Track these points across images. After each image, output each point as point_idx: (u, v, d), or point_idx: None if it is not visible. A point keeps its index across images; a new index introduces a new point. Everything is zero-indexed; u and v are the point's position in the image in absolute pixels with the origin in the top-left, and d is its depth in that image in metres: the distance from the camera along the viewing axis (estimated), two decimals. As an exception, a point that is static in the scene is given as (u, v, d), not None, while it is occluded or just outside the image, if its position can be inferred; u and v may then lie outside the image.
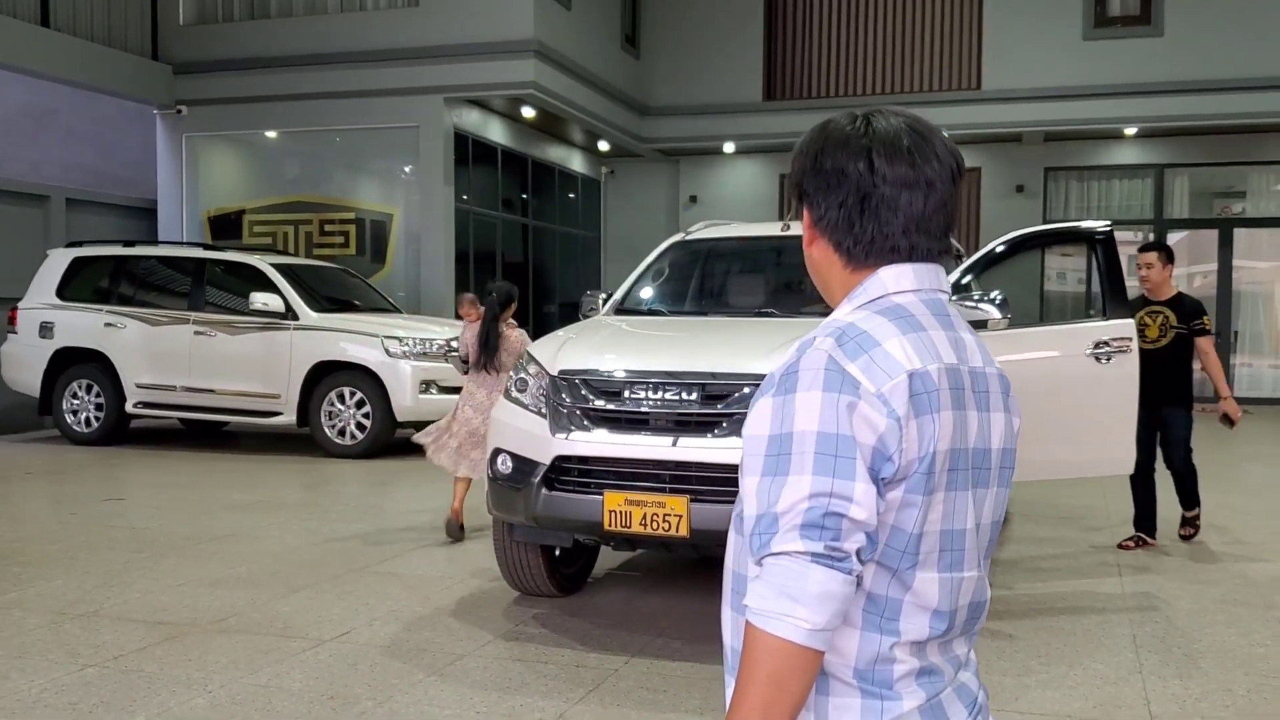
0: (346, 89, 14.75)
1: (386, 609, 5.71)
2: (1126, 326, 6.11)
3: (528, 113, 15.86)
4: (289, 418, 11.38)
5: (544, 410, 5.23)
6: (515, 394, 5.43)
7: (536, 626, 5.43)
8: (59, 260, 12.47)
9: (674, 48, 18.38)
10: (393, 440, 11.39)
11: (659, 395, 5.02)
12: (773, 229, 6.87)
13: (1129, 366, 6.06)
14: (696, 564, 6.69)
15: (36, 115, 16.07)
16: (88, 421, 12.14)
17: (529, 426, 5.24)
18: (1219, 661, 4.98)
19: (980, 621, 1.62)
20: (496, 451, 5.36)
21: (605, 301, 6.70)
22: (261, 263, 11.79)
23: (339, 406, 11.24)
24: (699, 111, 18.20)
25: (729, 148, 18.68)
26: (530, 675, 4.73)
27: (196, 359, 11.66)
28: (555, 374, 5.27)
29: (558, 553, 5.85)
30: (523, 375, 5.44)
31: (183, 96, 15.59)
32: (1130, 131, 17.20)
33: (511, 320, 7.69)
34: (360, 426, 11.20)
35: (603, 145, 18.48)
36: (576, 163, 18.88)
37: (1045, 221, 18.12)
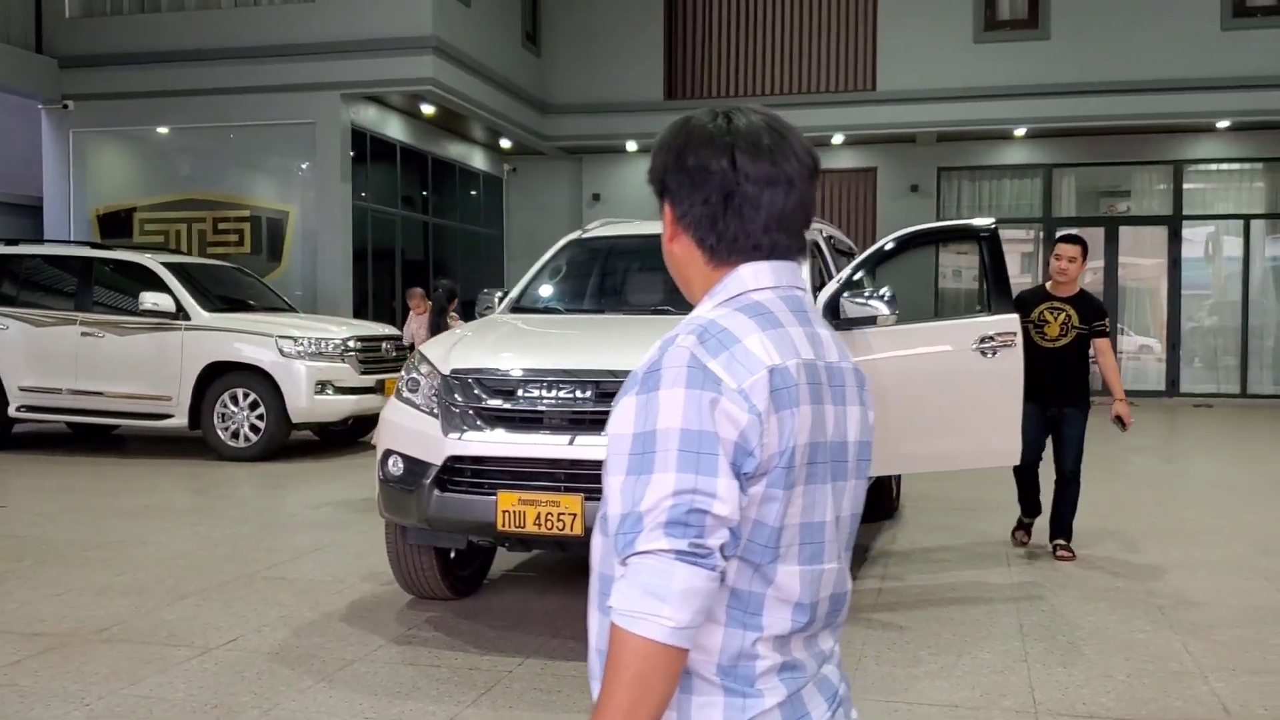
0: (240, 84, 14.46)
1: (276, 615, 5.60)
2: (1011, 321, 6.23)
3: (427, 109, 15.71)
4: (181, 420, 11.11)
5: (436, 410, 5.18)
6: (406, 394, 5.36)
7: (430, 630, 5.37)
8: (-65, 260, 12.02)
9: (575, 46, 18.36)
10: (288, 442, 11.19)
11: (553, 394, 5.00)
12: (668, 227, 6.87)
13: (1014, 361, 6.19)
14: (594, 563, 6.68)
15: (-89, 109, 15.49)
16: (-33, 427, 11.72)
17: (420, 427, 5.18)
18: (1101, 648, 5.12)
19: (842, 613, 1.64)
20: (387, 453, 5.29)
21: (502, 300, 6.65)
22: (151, 261, 11.50)
23: (232, 408, 11.00)
24: (600, 110, 18.21)
25: (631, 146, 18.72)
26: (422, 679, 4.67)
27: (84, 360, 11.33)
28: (447, 373, 5.21)
29: (453, 555, 5.80)
30: (414, 375, 5.38)
31: (69, 91, 15.16)
32: (1019, 132, 17.63)
33: (454, 314, 8.03)
34: (254, 429, 10.97)
35: (504, 143, 18.40)
36: (478, 160, 18.76)
37: (939, 220, 18.47)
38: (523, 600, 5.94)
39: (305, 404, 10.85)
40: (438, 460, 5.06)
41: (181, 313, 11.11)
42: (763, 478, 1.45)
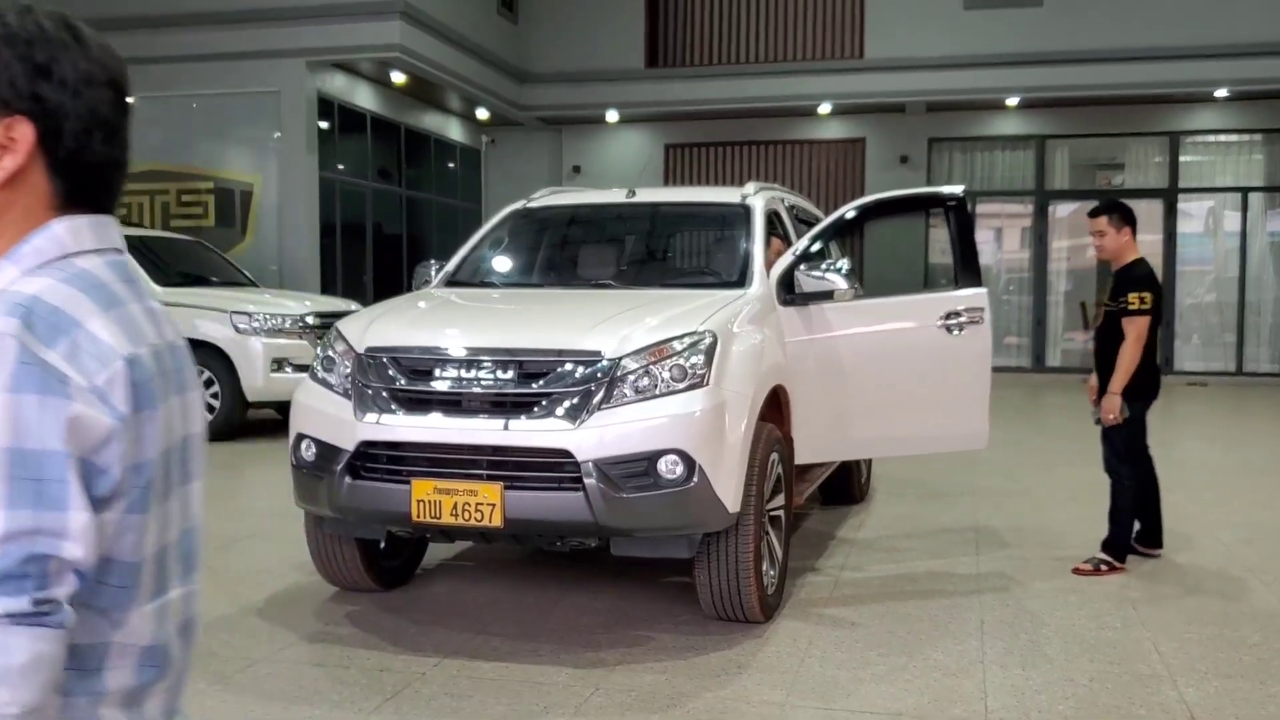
0: (203, 51, 14.01)
1: (188, 609, 5.23)
2: (979, 296, 5.85)
3: (398, 78, 15.26)
4: (134, 399, 10.73)
5: (350, 392, 4.80)
6: (321, 375, 4.99)
7: (348, 626, 5.01)
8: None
9: (554, 12, 17.88)
10: (246, 421, 10.83)
11: (472, 374, 4.61)
12: (618, 196, 6.49)
13: (982, 339, 5.83)
14: (536, 552, 6.32)
15: None
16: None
17: (333, 410, 4.80)
18: (1065, 648, 4.75)
19: (192, 647, 1.33)
20: (299, 437, 4.92)
21: (439, 272, 6.27)
22: (103, 234, 11.09)
23: (187, 386, 10.63)
24: (580, 79, 17.74)
25: (612, 116, 18.28)
26: (326, 682, 4.31)
27: (34, 337, 10.94)
28: (362, 352, 4.83)
29: (383, 545, 5.44)
30: (329, 354, 5.00)
31: (28, 58, 14.68)
32: (1011, 102, 17.18)
33: None
34: (210, 408, 10.60)
35: (481, 113, 17.95)
36: (455, 131, 18.31)
37: (929, 193, 18.04)
38: (453, 592, 5.57)
39: (261, 382, 10.48)
40: (349, 446, 4.68)
41: (134, 287, 10.71)
42: (118, 500, 1.16)
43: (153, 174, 14.72)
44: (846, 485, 7.52)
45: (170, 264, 11.48)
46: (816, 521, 7.19)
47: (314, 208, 14.17)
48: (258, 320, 10.53)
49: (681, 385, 4.55)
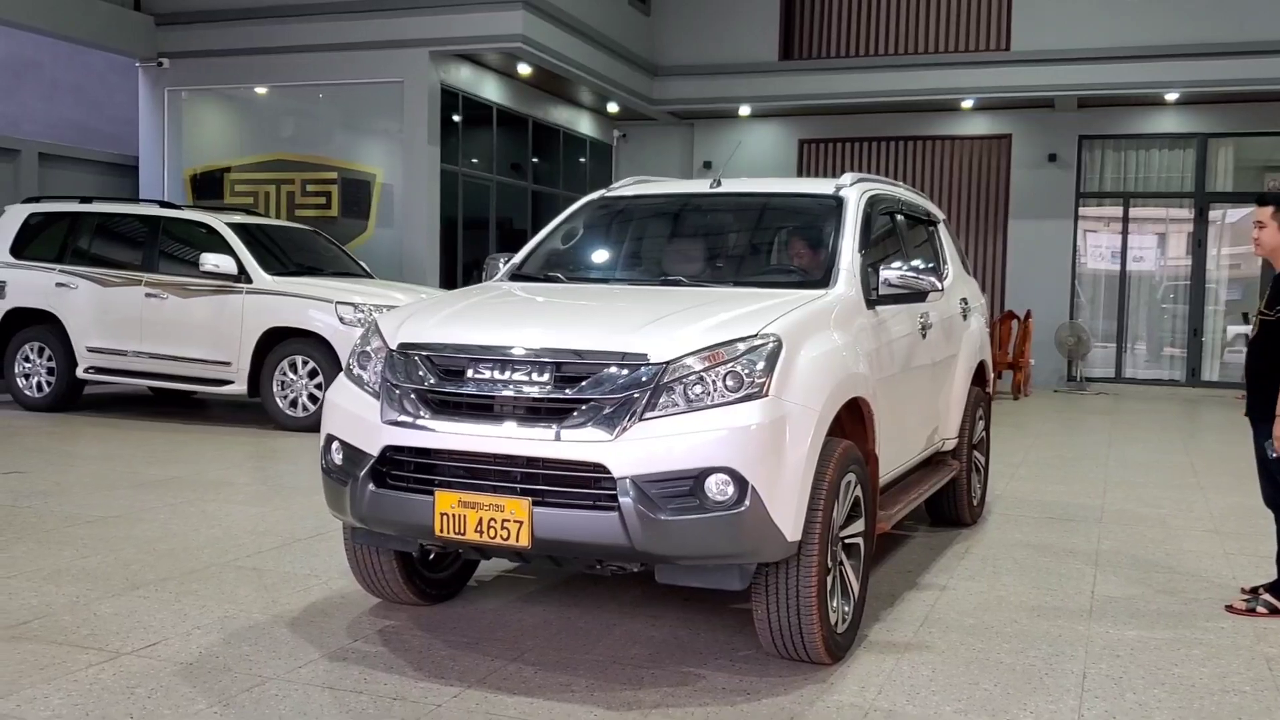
0: (328, 41, 14.00)
1: (220, 614, 4.95)
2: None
3: (523, 70, 15.01)
4: (240, 387, 10.71)
5: (380, 392, 4.43)
6: (356, 371, 4.63)
7: (376, 644, 4.64)
8: (14, 217, 11.89)
9: (686, 4, 17.41)
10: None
11: (505, 375, 4.18)
12: (701, 185, 6.00)
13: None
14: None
15: (17, 68, 15.50)
16: (39, 386, 11.56)
17: (361, 411, 4.44)
18: (1177, 714, 4.07)
19: None
20: (329, 439, 4.58)
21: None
22: (216, 221, 11.10)
23: (291, 376, 10.54)
24: (713, 72, 17.23)
25: (744, 110, 17.74)
26: (331, 709, 3.93)
27: (148, 322, 11.03)
28: (394, 348, 4.46)
29: (431, 555, 5.07)
30: (366, 349, 4.64)
31: (165, 49, 14.93)
32: (1171, 97, 16.02)
33: None
34: (313, 398, 10.49)
35: (612, 107, 17.60)
36: (585, 125, 18.01)
37: (1079, 195, 17.07)
38: (501, 610, 5.16)
39: (362, 374, 10.29)
40: (374, 450, 4.31)
41: (243, 275, 10.68)
42: None
43: (279, 163, 14.80)
44: (955, 506, 6.88)
45: (287, 253, 11.45)
46: (918, 546, 6.57)
47: (435, 200, 14.01)
48: (362, 311, 10.36)
49: (737, 395, 4.04)
